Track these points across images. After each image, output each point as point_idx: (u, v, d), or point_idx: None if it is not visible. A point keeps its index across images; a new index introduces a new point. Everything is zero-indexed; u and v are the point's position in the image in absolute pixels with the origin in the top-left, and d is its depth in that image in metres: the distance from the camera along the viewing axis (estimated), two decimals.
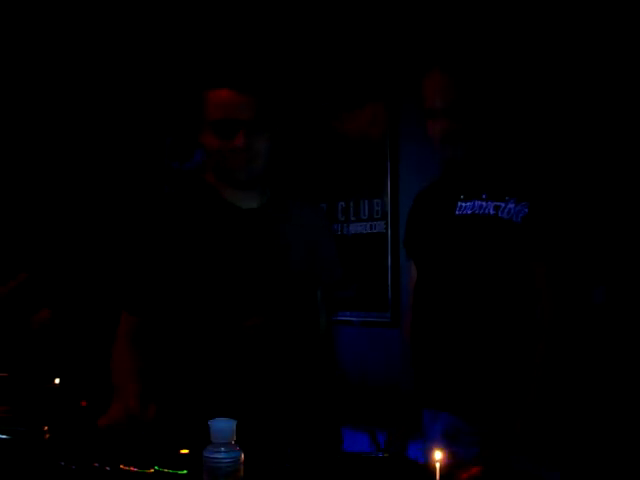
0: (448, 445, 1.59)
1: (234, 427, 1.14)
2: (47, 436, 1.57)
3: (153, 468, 1.35)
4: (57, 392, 1.79)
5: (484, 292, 1.67)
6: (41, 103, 3.72)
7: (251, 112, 1.75)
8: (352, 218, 3.32)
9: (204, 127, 1.79)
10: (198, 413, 1.53)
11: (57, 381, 1.80)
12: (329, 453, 1.68)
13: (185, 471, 1.32)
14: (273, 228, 1.81)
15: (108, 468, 1.35)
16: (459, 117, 1.68)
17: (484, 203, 1.70)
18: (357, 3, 3.21)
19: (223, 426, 1.13)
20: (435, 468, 1.15)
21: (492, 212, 1.67)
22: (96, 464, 1.37)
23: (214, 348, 1.75)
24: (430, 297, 1.77)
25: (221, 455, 1.11)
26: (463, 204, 1.74)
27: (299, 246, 1.82)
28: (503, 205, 1.66)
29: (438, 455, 1.16)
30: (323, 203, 3.43)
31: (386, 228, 3.18)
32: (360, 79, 3.25)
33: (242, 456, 1.13)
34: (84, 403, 1.81)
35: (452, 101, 1.69)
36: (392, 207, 3.16)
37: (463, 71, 1.71)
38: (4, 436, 1.55)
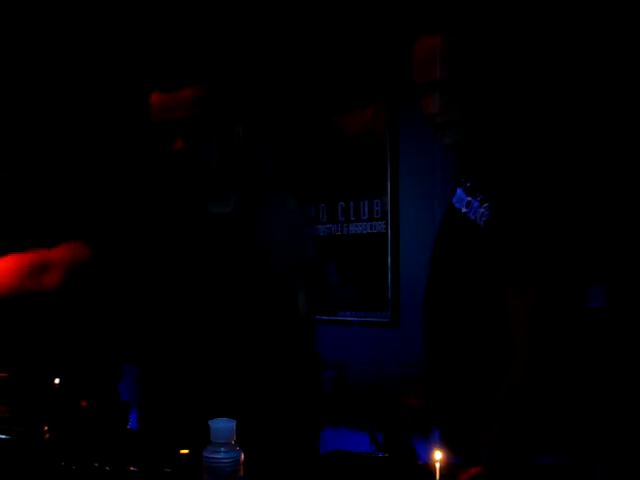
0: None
1: (234, 427, 1.14)
2: (47, 436, 1.57)
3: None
4: (57, 392, 1.79)
5: (454, 294, 1.52)
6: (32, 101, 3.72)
7: (186, 111, 1.62)
8: (352, 218, 3.33)
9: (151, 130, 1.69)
10: (187, 413, 1.54)
11: (57, 381, 1.79)
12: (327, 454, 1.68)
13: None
14: (247, 231, 1.74)
15: (108, 468, 1.35)
16: (454, 92, 1.50)
17: (463, 195, 1.53)
18: (357, 3, 3.21)
19: (223, 426, 1.13)
20: (435, 468, 1.15)
21: (464, 209, 1.51)
22: (96, 464, 1.37)
23: (193, 353, 1.74)
24: (429, 298, 1.68)
25: (221, 455, 1.11)
26: (458, 190, 1.58)
27: (277, 244, 1.75)
28: (472, 202, 1.48)
29: (438, 455, 1.16)
30: (323, 203, 3.43)
31: (386, 228, 3.18)
32: (360, 79, 3.25)
33: (242, 456, 1.13)
34: (84, 403, 1.81)
35: (445, 72, 1.50)
36: (392, 207, 3.16)
37: (458, 34, 1.52)
38: (4, 436, 1.55)
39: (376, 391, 3.01)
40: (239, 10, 3.52)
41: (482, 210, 1.45)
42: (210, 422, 1.13)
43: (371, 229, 3.25)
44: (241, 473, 1.12)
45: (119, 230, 1.91)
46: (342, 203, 3.35)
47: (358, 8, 3.20)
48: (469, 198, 1.50)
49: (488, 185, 1.47)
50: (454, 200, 1.58)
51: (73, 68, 3.77)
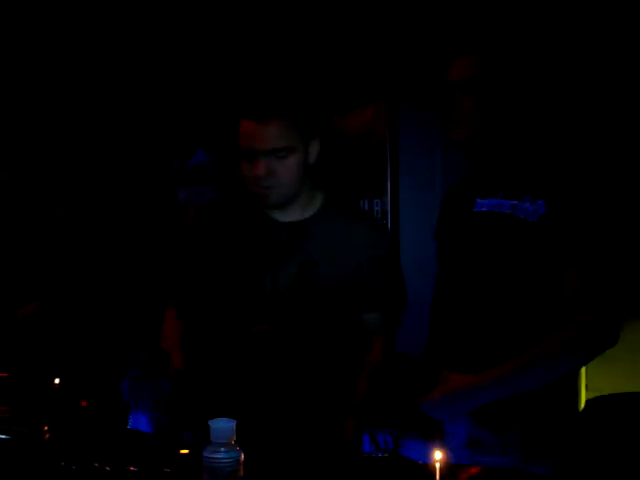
0: (472, 454, 1.58)
1: (234, 427, 1.14)
2: (47, 436, 1.57)
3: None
4: (57, 392, 1.79)
5: (499, 292, 1.64)
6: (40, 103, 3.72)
7: (273, 141, 1.77)
8: None
9: (238, 152, 1.85)
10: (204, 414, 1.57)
11: (57, 381, 1.79)
12: (328, 454, 1.68)
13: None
14: (306, 242, 1.84)
15: (108, 468, 1.35)
16: (474, 91, 1.64)
17: (501, 201, 1.66)
18: (357, 3, 3.21)
19: (223, 426, 1.13)
20: (435, 468, 1.15)
21: (508, 211, 1.64)
22: (96, 464, 1.37)
23: (225, 352, 1.81)
24: (446, 296, 1.76)
25: (221, 455, 1.11)
26: (481, 201, 1.71)
27: (334, 262, 1.84)
28: (520, 204, 1.62)
29: (438, 455, 1.16)
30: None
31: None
32: (360, 79, 3.25)
33: (242, 456, 1.13)
34: (84, 403, 1.81)
35: (471, 75, 1.66)
36: (392, 207, 3.16)
37: (488, 54, 1.68)
38: (4, 436, 1.55)
39: (376, 391, 3.00)
40: (239, 10, 3.52)
41: (534, 207, 1.59)
42: (210, 422, 1.13)
43: None
44: (241, 473, 1.13)
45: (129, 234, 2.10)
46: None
47: (358, 8, 3.20)
48: (514, 202, 1.63)
49: (536, 187, 1.61)
50: (481, 209, 1.70)
51: (75, 70, 3.77)
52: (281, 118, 1.78)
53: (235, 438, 1.13)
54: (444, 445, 1.67)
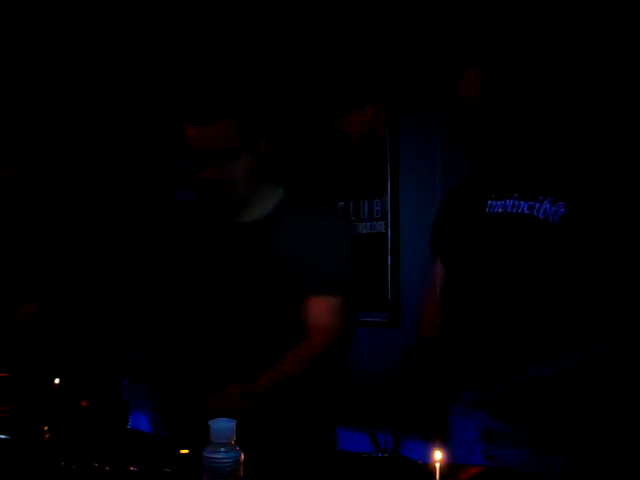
0: (485, 448, 1.59)
1: (234, 427, 1.14)
2: (47, 436, 1.57)
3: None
4: (57, 392, 1.79)
5: (517, 291, 1.64)
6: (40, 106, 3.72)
7: (216, 143, 1.75)
8: (352, 218, 3.32)
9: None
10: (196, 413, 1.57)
11: (57, 381, 1.79)
12: (327, 454, 1.68)
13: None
14: (261, 242, 1.83)
15: (108, 468, 1.35)
16: (486, 105, 1.67)
17: (516, 202, 1.67)
18: (357, 3, 3.21)
19: (223, 426, 1.13)
20: (435, 468, 1.15)
21: (526, 211, 1.64)
22: (96, 464, 1.37)
23: (206, 352, 1.81)
24: (460, 296, 1.75)
25: (221, 455, 1.11)
26: (494, 203, 1.71)
27: (289, 260, 1.80)
28: (537, 205, 1.63)
29: (438, 455, 1.16)
30: (323, 203, 3.43)
31: (386, 228, 3.18)
32: (360, 79, 3.25)
33: (242, 456, 1.13)
34: (84, 403, 1.81)
35: (482, 90, 1.67)
36: (392, 207, 3.16)
37: (498, 63, 1.70)
38: (4, 436, 1.55)
39: (376, 391, 3.00)
40: (239, 11, 3.52)
41: (555, 208, 1.60)
42: (210, 422, 1.13)
43: (371, 229, 3.25)
44: (241, 473, 1.13)
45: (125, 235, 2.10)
46: (342, 203, 3.35)
47: (358, 8, 3.20)
48: (531, 202, 1.64)
49: (555, 187, 1.63)
50: (495, 210, 1.71)
51: (76, 71, 3.77)
52: (220, 120, 1.75)
53: (235, 438, 1.13)
54: (452, 442, 1.67)
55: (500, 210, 1.69)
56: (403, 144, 3.14)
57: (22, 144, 3.63)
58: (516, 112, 1.68)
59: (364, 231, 3.28)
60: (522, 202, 1.65)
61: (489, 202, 1.72)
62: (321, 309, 1.79)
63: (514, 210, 1.66)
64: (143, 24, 3.72)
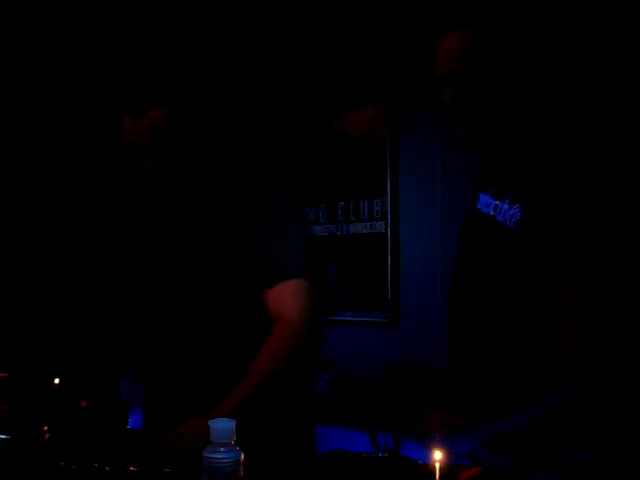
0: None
1: (234, 427, 1.14)
2: (47, 436, 1.57)
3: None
4: (57, 392, 1.79)
5: (486, 300, 1.51)
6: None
7: (151, 134, 1.75)
8: (352, 218, 3.32)
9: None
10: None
11: (57, 381, 1.79)
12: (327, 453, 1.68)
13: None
14: (204, 228, 1.83)
15: (108, 468, 1.35)
16: (470, 84, 1.48)
17: (490, 200, 1.52)
18: (357, 3, 3.21)
19: (223, 426, 1.13)
20: (435, 468, 1.15)
21: (492, 212, 1.51)
22: (96, 464, 1.37)
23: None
24: (453, 296, 1.65)
25: (221, 455, 1.11)
26: (481, 196, 1.58)
27: (235, 246, 1.77)
28: (500, 205, 1.47)
29: (438, 455, 1.16)
30: (323, 203, 3.43)
31: (386, 228, 3.18)
32: (360, 79, 3.25)
33: (242, 456, 1.13)
34: (84, 403, 1.81)
35: (464, 65, 1.49)
36: (392, 207, 3.16)
37: (480, 31, 1.51)
38: (4, 436, 1.55)
39: (376, 391, 3.00)
40: (239, 11, 3.52)
41: (512, 212, 1.43)
42: (210, 422, 1.13)
43: (371, 229, 3.25)
44: (241, 473, 1.12)
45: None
46: (342, 203, 3.35)
47: (358, 8, 3.20)
48: (497, 202, 1.49)
49: (516, 186, 1.45)
50: (479, 205, 1.58)
51: (76, 71, 3.77)
52: (150, 112, 1.75)
53: (235, 438, 1.13)
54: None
55: (479, 207, 1.57)
56: (403, 144, 3.15)
57: (25, 145, 3.63)
58: (503, 89, 1.50)
59: (364, 231, 3.28)
60: (493, 200, 1.51)
61: (480, 195, 1.59)
62: (280, 295, 1.72)
63: (485, 209, 1.53)
64: (146, 26, 3.72)
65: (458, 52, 1.51)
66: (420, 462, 1.33)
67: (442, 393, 1.70)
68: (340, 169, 3.37)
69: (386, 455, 1.44)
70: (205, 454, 1.12)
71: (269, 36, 3.46)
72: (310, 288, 1.74)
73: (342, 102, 3.33)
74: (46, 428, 1.59)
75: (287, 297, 1.72)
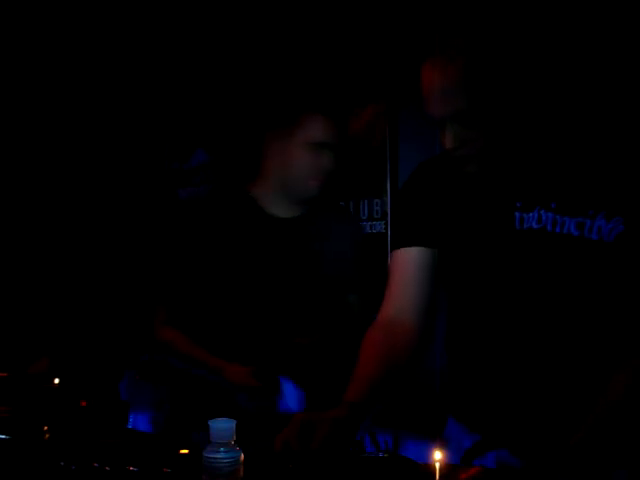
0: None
1: (234, 427, 1.14)
2: (47, 436, 1.57)
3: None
4: (57, 392, 1.79)
5: (563, 327, 1.37)
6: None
7: (339, 137, 2.01)
8: None
9: (296, 144, 2.01)
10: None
11: (57, 381, 1.80)
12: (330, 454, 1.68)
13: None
14: (306, 237, 1.91)
15: (108, 468, 1.35)
16: (474, 121, 1.31)
17: (558, 217, 1.34)
18: (357, 4, 3.21)
19: (223, 426, 1.13)
20: (435, 468, 1.15)
21: (575, 232, 1.33)
22: (96, 464, 1.37)
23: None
24: (487, 334, 1.47)
25: (221, 455, 1.11)
26: (524, 215, 1.38)
27: (330, 253, 1.92)
28: (589, 222, 1.31)
29: (438, 455, 1.16)
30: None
31: (386, 228, 3.18)
32: (360, 79, 3.25)
33: (242, 456, 1.13)
34: (84, 403, 1.81)
35: (462, 103, 1.30)
36: (392, 207, 3.16)
37: (467, 56, 1.32)
38: (4, 436, 1.55)
39: None
40: (239, 11, 3.52)
41: (611, 225, 1.30)
42: (210, 422, 1.13)
43: (371, 229, 3.25)
44: (241, 473, 1.12)
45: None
46: (342, 203, 3.35)
47: (358, 8, 3.20)
48: (578, 219, 1.33)
49: (606, 199, 1.31)
50: (543, 222, 1.37)
51: (76, 71, 3.77)
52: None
53: (235, 438, 1.13)
54: (447, 446, 1.65)
55: (535, 226, 1.37)
56: (403, 144, 3.15)
57: (23, 145, 3.63)
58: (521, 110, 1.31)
59: (364, 231, 3.28)
60: (567, 218, 1.33)
61: (517, 214, 1.39)
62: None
63: (558, 229, 1.34)
64: (146, 26, 3.72)
65: (453, 89, 1.32)
66: (420, 462, 1.33)
67: (444, 393, 1.70)
68: (340, 169, 3.37)
69: (386, 455, 1.44)
70: (205, 454, 1.12)
71: (269, 36, 3.46)
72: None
73: (342, 102, 3.32)
74: (46, 428, 1.59)
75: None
